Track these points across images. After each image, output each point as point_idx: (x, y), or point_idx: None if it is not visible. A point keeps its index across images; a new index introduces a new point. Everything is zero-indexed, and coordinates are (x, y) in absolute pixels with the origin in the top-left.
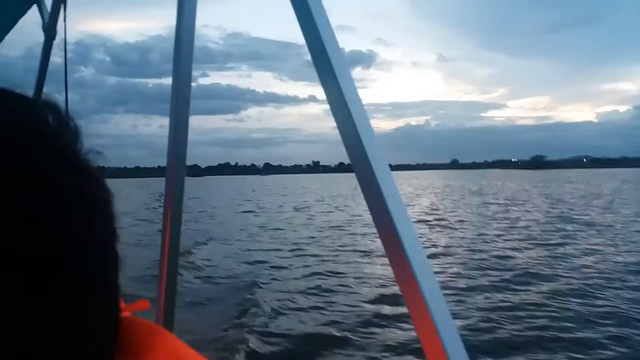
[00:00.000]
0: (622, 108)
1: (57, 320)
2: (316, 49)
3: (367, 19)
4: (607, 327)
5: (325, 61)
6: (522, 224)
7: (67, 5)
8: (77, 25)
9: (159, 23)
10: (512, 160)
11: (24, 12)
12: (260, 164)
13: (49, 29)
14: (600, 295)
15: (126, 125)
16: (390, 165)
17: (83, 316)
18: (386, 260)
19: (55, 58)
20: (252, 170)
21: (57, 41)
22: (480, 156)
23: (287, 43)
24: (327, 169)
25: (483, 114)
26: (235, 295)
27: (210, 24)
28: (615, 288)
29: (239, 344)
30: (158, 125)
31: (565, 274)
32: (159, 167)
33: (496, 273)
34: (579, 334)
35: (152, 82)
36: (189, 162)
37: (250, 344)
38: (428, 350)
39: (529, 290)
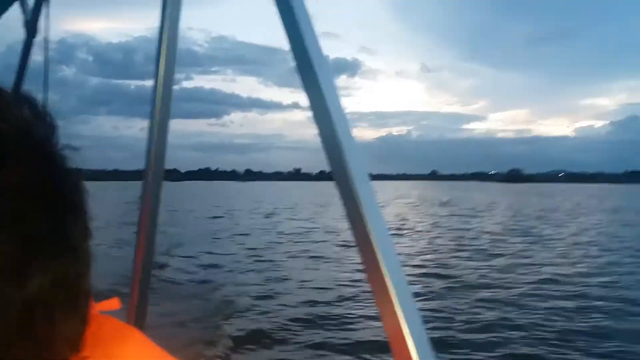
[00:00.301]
0: (599, 124)
1: (24, 318)
2: (300, 56)
3: (352, 27)
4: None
5: (309, 68)
6: (470, 234)
7: (50, 3)
8: (59, 23)
9: (144, 24)
10: (491, 173)
11: (6, 9)
12: (241, 169)
13: (30, 26)
14: (506, 305)
15: (107, 127)
16: (371, 174)
17: (52, 314)
18: (323, 265)
19: (36, 56)
20: (232, 176)
21: (39, 39)
22: (460, 168)
23: (273, 48)
24: (308, 177)
25: (464, 126)
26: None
27: (195, 26)
28: (528, 296)
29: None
30: (139, 128)
31: (490, 284)
32: (138, 170)
33: (425, 280)
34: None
35: (135, 83)
36: (168, 166)
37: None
38: (395, 349)
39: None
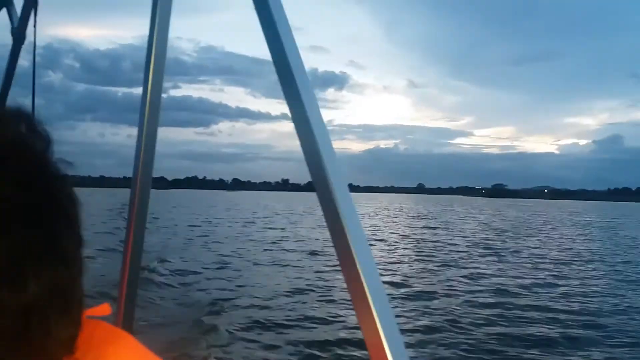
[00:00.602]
0: (583, 142)
1: (20, 322)
2: (282, 68)
3: (341, 41)
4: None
5: (290, 80)
6: (432, 245)
7: (37, 10)
8: (47, 29)
9: (132, 32)
10: (476, 187)
11: None
12: (229, 179)
13: (18, 33)
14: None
15: (93, 133)
16: (359, 186)
17: (47, 319)
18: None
19: (22, 61)
20: (220, 185)
21: (25, 44)
22: (446, 182)
23: (261, 59)
24: (296, 187)
25: (450, 141)
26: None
27: (184, 36)
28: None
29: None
30: (126, 135)
31: (438, 292)
32: (124, 177)
33: None
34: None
35: (122, 90)
36: (155, 174)
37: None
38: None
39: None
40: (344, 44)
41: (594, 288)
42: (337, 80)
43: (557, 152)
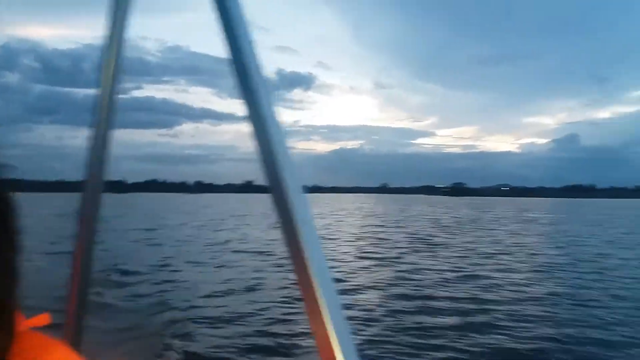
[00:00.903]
0: (541, 141)
1: None
2: (238, 69)
3: (309, 42)
4: None
5: (246, 81)
6: (372, 241)
7: None
8: (4, 28)
9: (94, 31)
10: (437, 186)
11: None
12: (192, 181)
13: None
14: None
15: (51, 136)
16: (323, 187)
17: None
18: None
19: None
20: (182, 188)
21: None
22: (409, 181)
23: (227, 59)
24: (260, 189)
25: (414, 141)
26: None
27: (149, 36)
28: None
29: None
30: (86, 138)
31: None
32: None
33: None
34: None
35: (83, 92)
36: (114, 178)
37: None
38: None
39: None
40: (312, 45)
41: (512, 279)
42: (303, 81)
43: (517, 151)
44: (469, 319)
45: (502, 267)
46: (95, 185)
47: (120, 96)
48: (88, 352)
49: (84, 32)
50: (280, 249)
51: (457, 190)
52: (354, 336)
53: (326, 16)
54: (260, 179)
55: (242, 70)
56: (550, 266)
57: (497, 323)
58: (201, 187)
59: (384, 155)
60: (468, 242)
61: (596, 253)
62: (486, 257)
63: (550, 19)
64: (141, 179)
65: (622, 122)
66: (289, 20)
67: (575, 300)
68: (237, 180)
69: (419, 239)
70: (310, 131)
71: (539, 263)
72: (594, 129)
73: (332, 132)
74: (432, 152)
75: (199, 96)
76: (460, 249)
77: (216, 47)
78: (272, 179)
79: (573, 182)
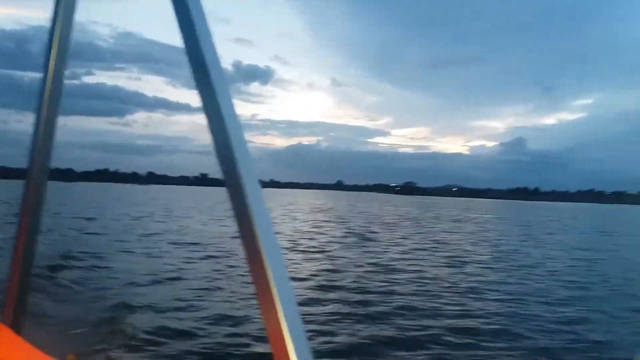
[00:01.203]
0: (491, 144)
1: None
2: (195, 58)
3: (267, 35)
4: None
5: (203, 72)
6: (310, 235)
7: None
8: None
9: (42, 11)
10: (390, 185)
11: None
12: (143, 172)
13: None
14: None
15: None
16: (280, 182)
17: None
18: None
19: None
20: (133, 178)
21: None
22: (364, 179)
23: (183, 48)
24: (215, 182)
25: (369, 140)
26: None
27: (101, 20)
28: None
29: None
30: (31, 122)
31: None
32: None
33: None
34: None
35: (28, 75)
36: (62, 166)
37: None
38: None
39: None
40: (270, 39)
41: (422, 272)
42: (261, 74)
43: (467, 152)
44: (370, 308)
45: (417, 260)
46: (39, 173)
47: (70, 81)
48: (28, 336)
49: (31, 12)
50: (215, 241)
51: (408, 189)
52: (306, 330)
53: (284, 11)
54: (215, 172)
55: (198, 61)
56: (461, 261)
57: (386, 311)
58: (153, 178)
59: (341, 152)
60: (399, 238)
61: (509, 250)
62: (407, 252)
63: (498, 26)
64: (91, 168)
65: (566, 128)
66: (247, 12)
67: (471, 293)
68: (192, 173)
69: (353, 233)
70: (268, 125)
71: (453, 257)
72: (540, 134)
73: (289, 127)
74: (387, 151)
75: (152, 85)
76: (386, 243)
77: (170, 35)
78: (228, 172)
79: (520, 185)
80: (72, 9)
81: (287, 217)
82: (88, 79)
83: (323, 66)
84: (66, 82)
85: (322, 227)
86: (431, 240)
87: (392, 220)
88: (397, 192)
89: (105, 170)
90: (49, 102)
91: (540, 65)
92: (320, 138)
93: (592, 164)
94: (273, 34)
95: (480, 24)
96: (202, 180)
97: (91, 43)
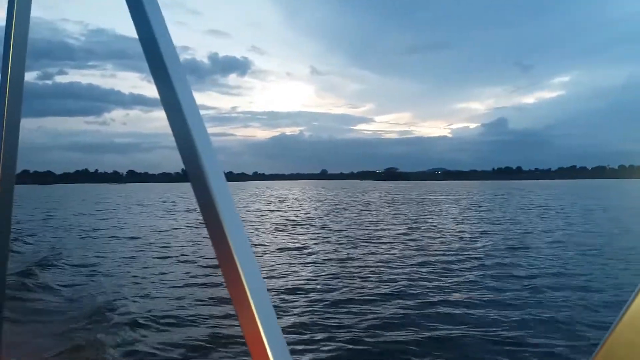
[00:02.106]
0: (472, 125)
1: None
2: (150, 52)
3: (242, 26)
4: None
5: (159, 62)
6: (281, 220)
7: None
8: None
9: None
10: (375, 171)
11: None
12: (124, 171)
13: None
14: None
15: None
16: (264, 174)
17: None
18: None
19: None
20: (113, 178)
21: None
22: (348, 167)
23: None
24: None
25: (353, 127)
26: None
27: (70, 18)
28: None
29: None
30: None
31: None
32: None
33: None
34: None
35: None
36: (41, 168)
37: None
38: (253, 350)
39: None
40: (245, 29)
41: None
42: (239, 66)
43: (450, 135)
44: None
45: (348, 240)
46: (6, 177)
47: (43, 82)
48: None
49: None
50: (156, 237)
51: (391, 174)
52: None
53: (259, 0)
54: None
55: (154, 54)
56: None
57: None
58: (134, 177)
59: (324, 141)
60: (371, 222)
61: (447, 227)
62: (368, 231)
63: (476, 7)
64: (71, 169)
65: (546, 107)
66: (220, 3)
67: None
68: (174, 169)
69: (311, 218)
70: (249, 117)
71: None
72: (521, 113)
73: (271, 118)
74: (371, 138)
75: (128, 82)
76: (317, 227)
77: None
78: (191, 166)
79: (502, 165)
80: (28, 6)
81: (241, 208)
82: (61, 79)
83: (301, 55)
84: (39, 82)
85: (266, 216)
86: (384, 221)
87: (353, 204)
88: (382, 179)
89: (85, 171)
90: (9, 103)
91: (519, 45)
92: (303, 128)
93: (572, 140)
94: (248, 24)
95: (458, 6)
96: (183, 176)
97: (62, 42)
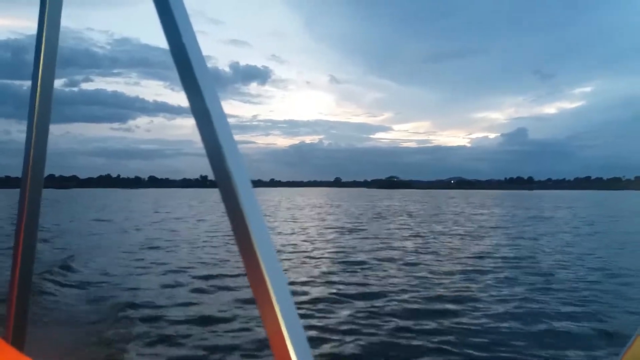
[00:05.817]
0: (492, 135)
1: None
2: (180, 61)
3: (262, 35)
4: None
5: (189, 71)
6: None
7: None
8: None
9: (35, 22)
10: (388, 179)
11: None
12: (146, 176)
13: None
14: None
15: None
16: (281, 181)
17: None
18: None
19: None
20: (135, 183)
21: None
22: (363, 175)
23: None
24: (214, 184)
25: (371, 136)
26: None
27: (96, 27)
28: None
29: None
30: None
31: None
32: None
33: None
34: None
35: (27, 84)
36: (67, 173)
37: None
38: (277, 352)
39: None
40: (265, 38)
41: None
42: (259, 75)
43: (468, 145)
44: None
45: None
46: (34, 181)
47: (69, 89)
48: (31, 351)
49: (26, 22)
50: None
51: (391, 183)
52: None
53: (279, 10)
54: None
55: (184, 63)
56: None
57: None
58: (155, 182)
59: (342, 149)
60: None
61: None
62: (346, 237)
63: (496, 16)
64: (95, 174)
65: (567, 117)
66: (241, 13)
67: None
68: (194, 175)
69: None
70: (270, 126)
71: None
72: (541, 123)
73: (291, 127)
74: (389, 146)
75: (151, 89)
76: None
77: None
78: (219, 173)
79: (523, 174)
80: (58, 15)
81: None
82: (87, 86)
83: (320, 64)
84: (66, 89)
85: (280, 221)
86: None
87: (336, 214)
88: (391, 187)
89: (108, 176)
90: (39, 109)
91: (539, 54)
92: (322, 136)
93: (594, 151)
94: (268, 33)
95: (477, 15)
96: (203, 182)
97: (88, 50)
